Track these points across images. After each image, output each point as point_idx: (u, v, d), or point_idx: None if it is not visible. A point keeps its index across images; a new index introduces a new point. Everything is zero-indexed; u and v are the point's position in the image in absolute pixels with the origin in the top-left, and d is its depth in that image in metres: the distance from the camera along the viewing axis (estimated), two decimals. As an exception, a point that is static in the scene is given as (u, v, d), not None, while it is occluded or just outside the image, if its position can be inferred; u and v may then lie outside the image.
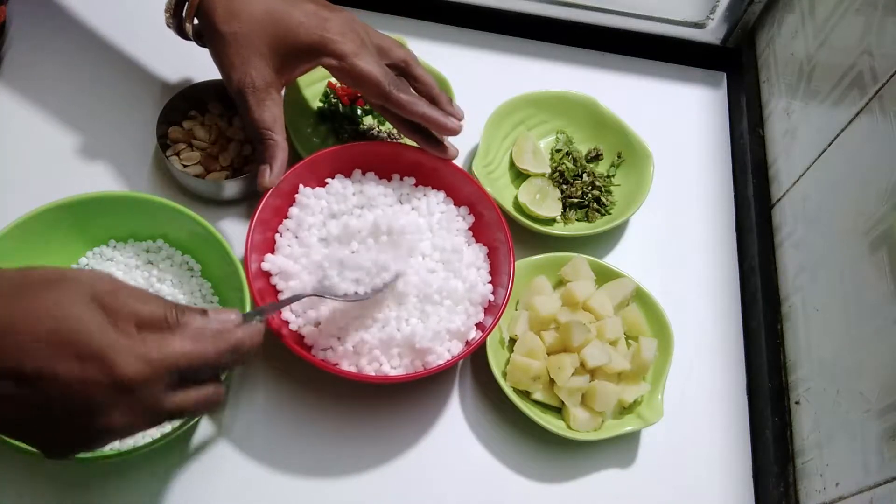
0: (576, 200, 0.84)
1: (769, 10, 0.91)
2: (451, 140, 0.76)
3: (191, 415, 0.53)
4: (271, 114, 0.69)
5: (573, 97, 0.88)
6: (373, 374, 0.67)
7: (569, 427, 0.71)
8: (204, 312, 0.50)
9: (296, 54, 0.69)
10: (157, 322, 0.48)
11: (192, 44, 0.75)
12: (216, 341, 0.49)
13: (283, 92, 0.72)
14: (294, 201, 0.74)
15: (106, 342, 0.45)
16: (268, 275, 0.70)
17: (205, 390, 0.50)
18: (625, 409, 0.73)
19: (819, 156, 0.75)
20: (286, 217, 0.73)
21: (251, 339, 0.51)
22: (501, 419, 0.73)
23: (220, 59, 0.70)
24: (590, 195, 0.84)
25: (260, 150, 0.70)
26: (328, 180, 0.75)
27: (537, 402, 0.72)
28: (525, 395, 0.72)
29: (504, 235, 0.72)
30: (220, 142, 0.80)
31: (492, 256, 0.74)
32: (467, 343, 0.70)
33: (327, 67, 0.70)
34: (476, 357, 0.75)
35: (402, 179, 0.76)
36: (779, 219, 0.83)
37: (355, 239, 0.71)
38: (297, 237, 0.72)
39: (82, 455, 0.64)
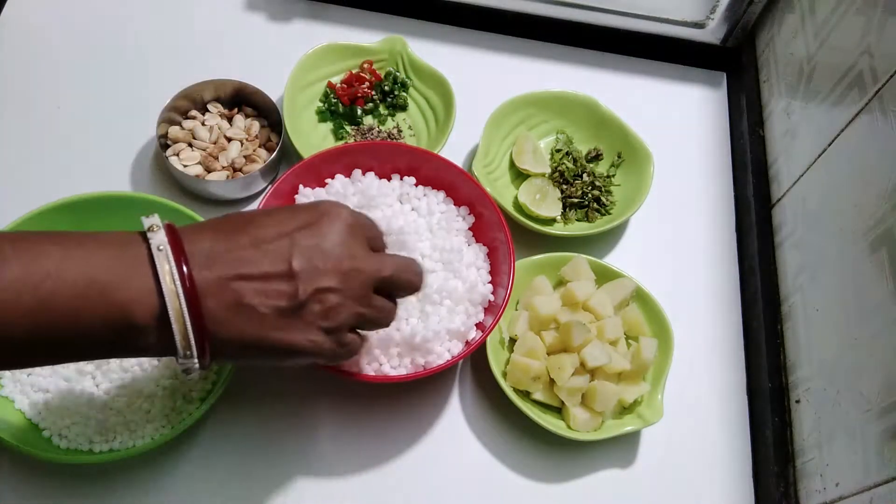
0: (576, 200, 0.84)
1: (769, 10, 0.91)
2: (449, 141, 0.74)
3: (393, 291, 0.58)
4: None
5: (573, 97, 0.88)
6: (372, 374, 0.67)
7: (569, 427, 0.71)
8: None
9: None
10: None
11: (193, 44, 0.75)
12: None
13: None
14: (294, 202, 0.74)
15: (358, 256, 0.54)
16: (268, 275, 0.70)
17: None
18: (625, 409, 0.73)
19: (819, 156, 0.75)
20: (286, 217, 0.73)
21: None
22: (501, 419, 0.73)
23: None
24: (590, 195, 0.84)
25: None
26: (328, 180, 0.75)
27: (537, 402, 0.72)
28: (525, 395, 0.72)
29: (504, 235, 0.72)
30: (219, 142, 0.80)
31: (492, 256, 0.74)
32: (467, 343, 0.69)
33: None
34: (476, 357, 0.75)
35: (402, 179, 0.76)
36: (779, 219, 0.83)
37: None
38: (297, 237, 0.72)
39: (82, 457, 0.64)
